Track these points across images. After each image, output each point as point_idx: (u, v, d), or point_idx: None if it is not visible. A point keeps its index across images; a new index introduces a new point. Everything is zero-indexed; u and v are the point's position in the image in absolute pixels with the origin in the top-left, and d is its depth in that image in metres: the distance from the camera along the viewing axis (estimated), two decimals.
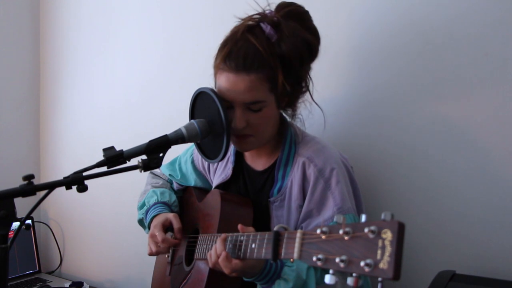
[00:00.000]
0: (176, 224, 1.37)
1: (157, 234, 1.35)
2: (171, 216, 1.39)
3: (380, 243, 0.65)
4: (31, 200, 1.00)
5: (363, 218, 0.70)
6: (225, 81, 1.16)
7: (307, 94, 1.29)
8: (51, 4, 2.50)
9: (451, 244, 1.34)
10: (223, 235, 1.07)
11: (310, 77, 1.25)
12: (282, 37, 1.14)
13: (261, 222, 1.24)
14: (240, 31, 1.17)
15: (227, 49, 1.16)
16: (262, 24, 1.16)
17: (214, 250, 1.07)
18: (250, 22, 1.18)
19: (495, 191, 1.27)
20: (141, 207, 1.53)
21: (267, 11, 1.20)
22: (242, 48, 1.14)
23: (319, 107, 1.31)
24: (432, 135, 1.36)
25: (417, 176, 1.39)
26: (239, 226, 1.04)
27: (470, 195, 1.31)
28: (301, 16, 1.18)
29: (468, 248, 1.31)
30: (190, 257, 1.37)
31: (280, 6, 1.19)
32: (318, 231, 0.75)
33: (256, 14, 1.20)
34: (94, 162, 1.03)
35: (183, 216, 1.53)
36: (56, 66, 2.48)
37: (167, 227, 1.39)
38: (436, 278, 1.17)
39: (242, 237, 1.01)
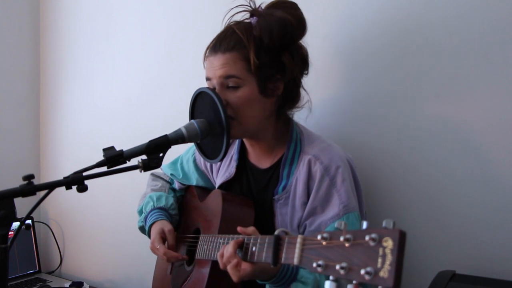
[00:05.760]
0: (170, 240, 1.38)
1: (158, 247, 1.36)
2: (166, 230, 1.39)
3: (380, 251, 0.65)
4: (31, 200, 1.00)
5: (364, 225, 0.70)
6: (206, 66, 1.23)
7: (307, 95, 1.29)
8: (51, 4, 2.50)
9: (451, 244, 1.34)
10: (239, 238, 1.03)
11: (296, 63, 1.23)
12: (259, 20, 1.18)
13: (265, 220, 1.24)
14: (228, 26, 1.24)
15: (213, 41, 1.23)
16: (251, 19, 1.21)
17: (224, 255, 1.03)
18: (244, 20, 1.22)
19: (495, 191, 1.27)
20: (139, 213, 1.54)
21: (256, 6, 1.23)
22: (222, 33, 1.22)
23: (306, 92, 1.31)
24: (431, 135, 1.36)
25: (417, 176, 1.39)
26: (239, 229, 1.03)
27: (470, 195, 1.30)
28: (285, 5, 1.20)
29: (468, 248, 1.31)
30: (191, 257, 1.37)
31: (270, 3, 1.21)
32: (319, 237, 0.75)
33: (242, 5, 1.24)
34: (94, 162, 1.03)
35: (184, 215, 1.53)
36: (56, 66, 2.48)
37: (165, 239, 1.39)
38: (436, 278, 1.17)
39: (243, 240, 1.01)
